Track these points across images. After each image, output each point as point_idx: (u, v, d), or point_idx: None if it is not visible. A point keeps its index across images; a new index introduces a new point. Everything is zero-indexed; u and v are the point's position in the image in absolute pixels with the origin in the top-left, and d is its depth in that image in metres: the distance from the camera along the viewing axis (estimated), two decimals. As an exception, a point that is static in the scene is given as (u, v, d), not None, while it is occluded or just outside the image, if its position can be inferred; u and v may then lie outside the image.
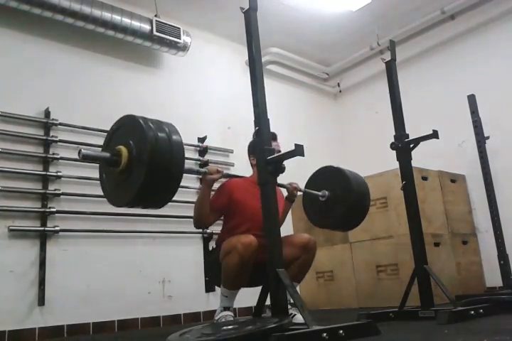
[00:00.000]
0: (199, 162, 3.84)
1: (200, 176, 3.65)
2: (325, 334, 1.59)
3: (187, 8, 4.00)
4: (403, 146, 2.53)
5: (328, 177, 2.61)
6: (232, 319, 2.28)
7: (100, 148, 1.94)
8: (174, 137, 1.67)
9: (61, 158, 3.14)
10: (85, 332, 2.97)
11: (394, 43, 2.78)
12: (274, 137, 2.53)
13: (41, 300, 2.86)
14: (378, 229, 3.61)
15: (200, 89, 4.16)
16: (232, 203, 2.51)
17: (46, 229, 2.97)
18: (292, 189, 2.64)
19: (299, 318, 2.16)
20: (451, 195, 3.87)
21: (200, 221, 2.49)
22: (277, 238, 1.90)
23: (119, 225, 3.29)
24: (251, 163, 2.64)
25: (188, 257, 3.61)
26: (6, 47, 3.18)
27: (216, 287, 3.47)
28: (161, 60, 3.99)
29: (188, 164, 3.59)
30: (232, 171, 3.74)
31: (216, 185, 2.56)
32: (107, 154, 1.69)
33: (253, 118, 2.01)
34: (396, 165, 2.60)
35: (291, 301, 1.94)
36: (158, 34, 3.58)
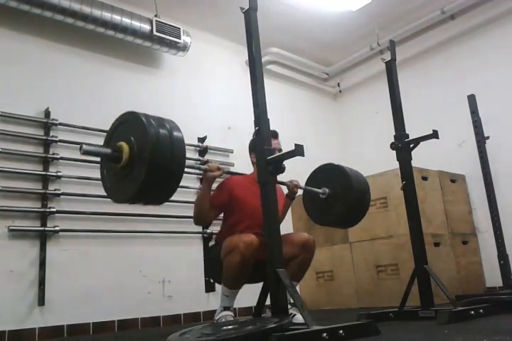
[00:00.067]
0: (199, 162, 3.84)
1: (201, 176, 3.66)
2: (325, 334, 1.60)
3: (187, 8, 4.00)
4: (403, 146, 2.52)
5: (328, 174, 2.61)
6: (232, 319, 2.28)
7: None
8: (175, 133, 1.67)
9: (61, 158, 3.14)
10: (85, 332, 2.97)
11: (394, 43, 2.78)
12: (275, 135, 2.54)
13: (41, 300, 2.86)
14: (378, 229, 3.60)
15: (200, 89, 4.16)
16: (232, 200, 2.52)
17: (46, 229, 2.97)
18: (293, 186, 2.64)
19: (299, 318, 2.16)
20: (451, 195, 3.87)
21: (200, 217, 2.49)
22: (277, 238, 1.90)
23: (119, 225, 3.29)
24: (252, 161, 2.64)
25: (188, 257, 3.61)
26: (5, 47, 3.18)
27: (216, 286, 3.50)
28: (161, 60, 3.99)
29: (188, 163, 3.59)
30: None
31: (216, 185, 2.57)
32: (108, 150, 1.70)
33: (253, 118, 2.02)
34: (396, 165, 2.60)
35: (291, 301, 1.94)
36: (158, 34, 3.58)
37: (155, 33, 3.56)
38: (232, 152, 4.10)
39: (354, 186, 2.50)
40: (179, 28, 3.72)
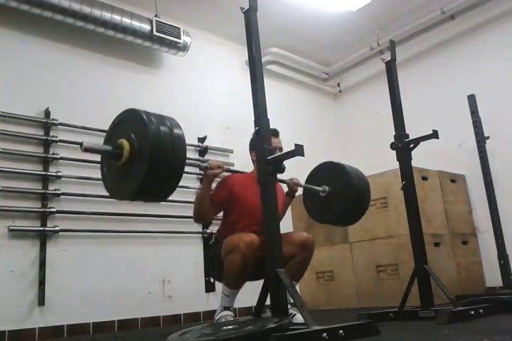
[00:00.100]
0: (199, 162, 3.84)
1: (201, 176, 3.66)
2: (325, 334, 1.60)
3: (187, 8, 4.00)
4: (403, 146, 2.53)
5: (328, 172, 2.61)
6: (232, 319, 2.28)
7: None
8: (176, 131, 1.67)
9: (61, 158, 3.14)
10: (85, 332, 2.97)
11: (394, 43, 2.78)
12: (275, 133, 2.54)
13: (41, 300, 2.86)
14: (378, 229, 3.60)
15: (200, 89, 4.16)
16: (232, 198, 2.52)
17: (46, 229, 2.97)
18: (293, 184, 2.64)
19: (299, 318, 2.16)
20: (451, 195, 3.87)
21: (200, 215, 2.50)
22: (277, 238, 1.90)
23: (119, 225, 3.29)
24: (252, 159, 2.64)
25: (188, 257, 3.61)
26: (5, 47, 3.18)
27: (216, 286, 3.51)
28: (161, 60, 3.99)
29: (189, 162, 3.59)
30: (232, 171, 3.75)
31: (216, 184, 2.57)
32: (108, 147, 1.70)
33: (253, 118, 2.02)
34: (396, 165, 2.60)
35: (291, 301, 1.94)
36: (158, 34, 3.58)
37: (155, 32, 3.56)
38: (232, 152, 4.10)
39: (354, 184, 2.50)
40: (179, 28, 3.72)
